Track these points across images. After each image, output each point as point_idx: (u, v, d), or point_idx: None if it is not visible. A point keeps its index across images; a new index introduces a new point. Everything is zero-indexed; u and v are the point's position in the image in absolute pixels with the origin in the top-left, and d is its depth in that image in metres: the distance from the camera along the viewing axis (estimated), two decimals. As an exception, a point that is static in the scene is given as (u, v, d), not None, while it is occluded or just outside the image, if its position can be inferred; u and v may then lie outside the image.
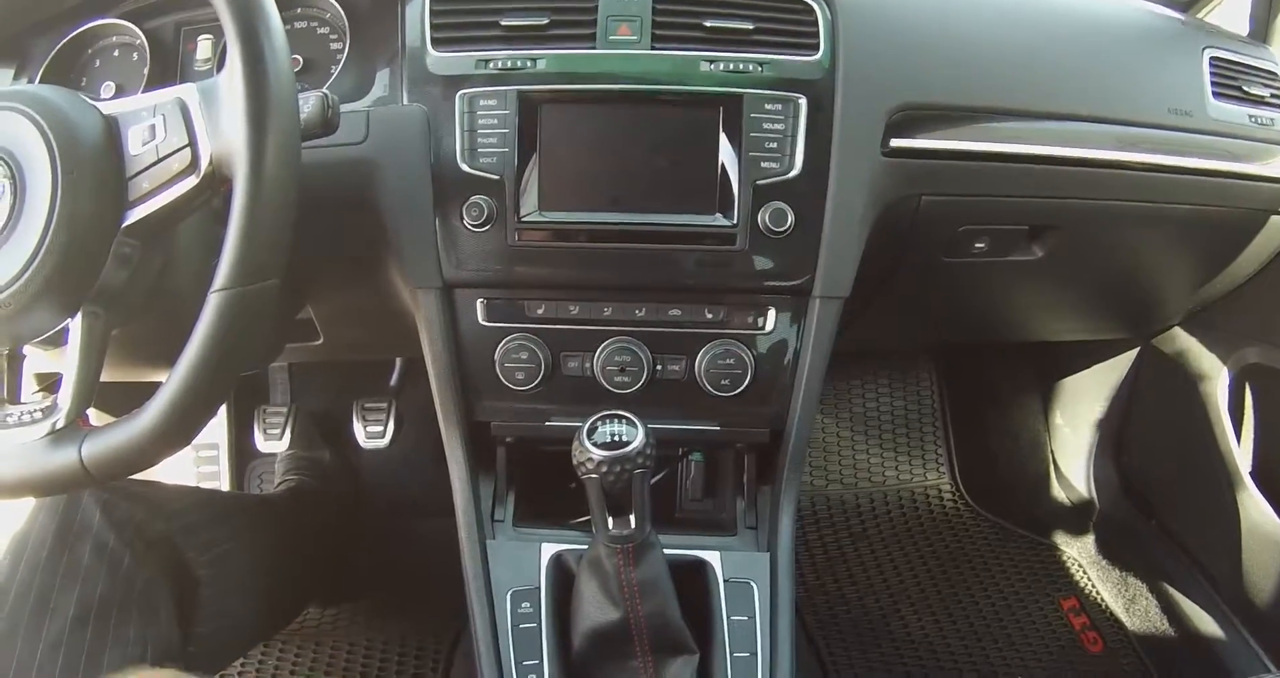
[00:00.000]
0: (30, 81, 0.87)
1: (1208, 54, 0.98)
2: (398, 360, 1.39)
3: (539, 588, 0.81)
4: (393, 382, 1.37)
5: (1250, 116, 0.98)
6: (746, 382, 0.82)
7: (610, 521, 0.71)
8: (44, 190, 0.58)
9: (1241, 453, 1.17)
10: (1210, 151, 0.95)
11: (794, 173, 0.79)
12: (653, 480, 0.72)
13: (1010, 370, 1.57)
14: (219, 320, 0.58)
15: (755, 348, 0.83)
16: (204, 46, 0.86)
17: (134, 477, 0.65)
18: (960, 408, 1.64)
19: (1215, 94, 0.97)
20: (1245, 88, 0.99)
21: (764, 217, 0.78)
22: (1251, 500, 1.14)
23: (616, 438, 0.68)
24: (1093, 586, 1.42)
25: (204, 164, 0.59)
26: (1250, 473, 1.15)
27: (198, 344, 0.58)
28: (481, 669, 0.78)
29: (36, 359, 0.70)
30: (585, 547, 0.78)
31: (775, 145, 0.78)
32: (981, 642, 1.32)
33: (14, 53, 0.88)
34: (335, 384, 1.40)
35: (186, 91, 0.60)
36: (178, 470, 1.41)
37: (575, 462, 0.68)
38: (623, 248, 0.80)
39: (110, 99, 0.77)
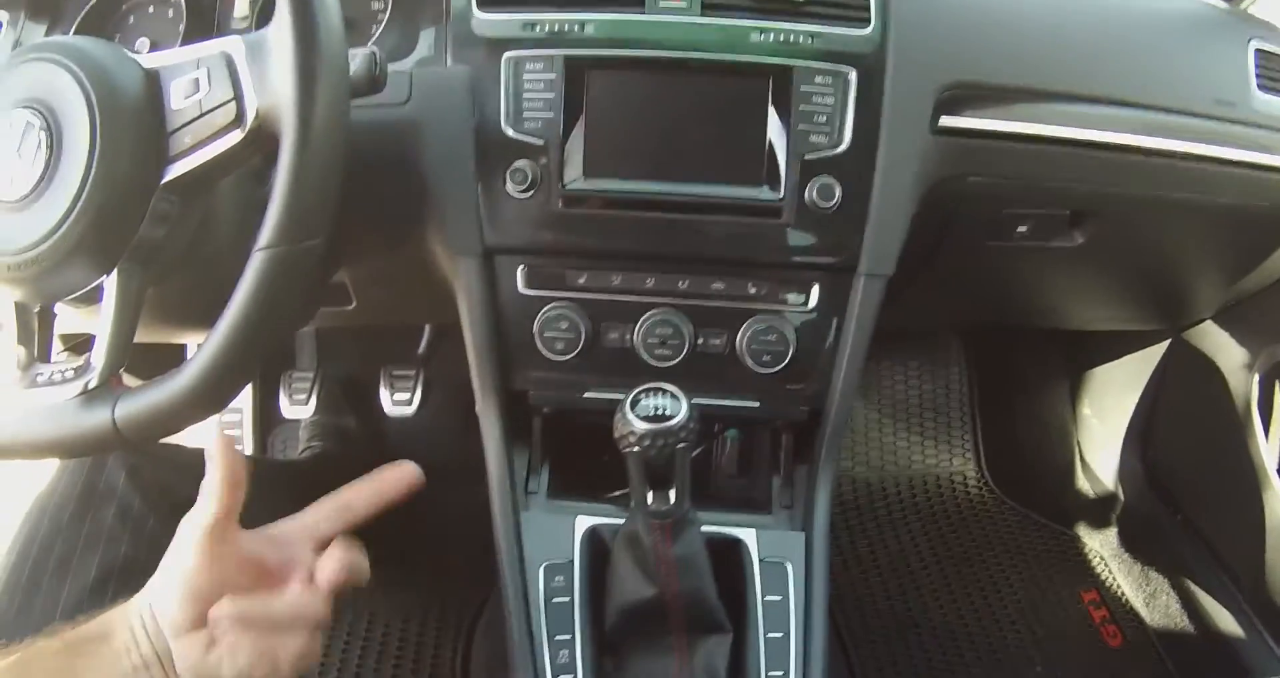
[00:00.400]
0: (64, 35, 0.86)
1: (1253, 45, 0.97)
2: (426, 327, 1.37)
3: (573, 562, 0.80)
4: (421, 348, 1.36)
5: None
6: (788, 358, 0.81)
7: (650, 495, 0.70)
8: (82, 144, 0.57)
9: (1270, 451, 1.16)
10: (1253, 144, 0.93)
11: (842, 148, 0.77)
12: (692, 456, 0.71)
13: (1039, 358, 1.56)
14: (263, 279, 0.57)
15: (798, 324, 0.81)
16: (242, 4, 0.85)
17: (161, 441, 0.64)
18: (988, 394, 1.63)
19: (1260, 86, 0.96)
20: (1290, 82, 0.98)
21: (811, 191, 0.77)
22: (1277, 500, 1.13)
23: (660, 412, 0.66)
24: (1114, 579, 1.41)
25: (250, 119, 0.58)
26: (1277, 472, 1.14)
27: (240, 303, 0.57)
28: (513, 642, 0.77)
29: (64, 319, 0.69)
30: (621, 521, 0.77)
31: (824, 119, 0.77)
32: (1002, 629, 1.32)
33: (47, 8, 0.86)
34: (362, 350, 1.39)
35: (232, 44, 0.59)
36: (201, 435, 1.40)
37: (617, 435, 0.67)
38: (667, 217, 0.78)
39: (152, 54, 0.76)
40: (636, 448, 0.66)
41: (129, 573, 0.77)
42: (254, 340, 0.58)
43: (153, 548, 0.79)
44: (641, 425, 0.65)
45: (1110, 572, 1.42)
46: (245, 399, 1.40)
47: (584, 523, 0.81)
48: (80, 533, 0.79)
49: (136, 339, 0.63)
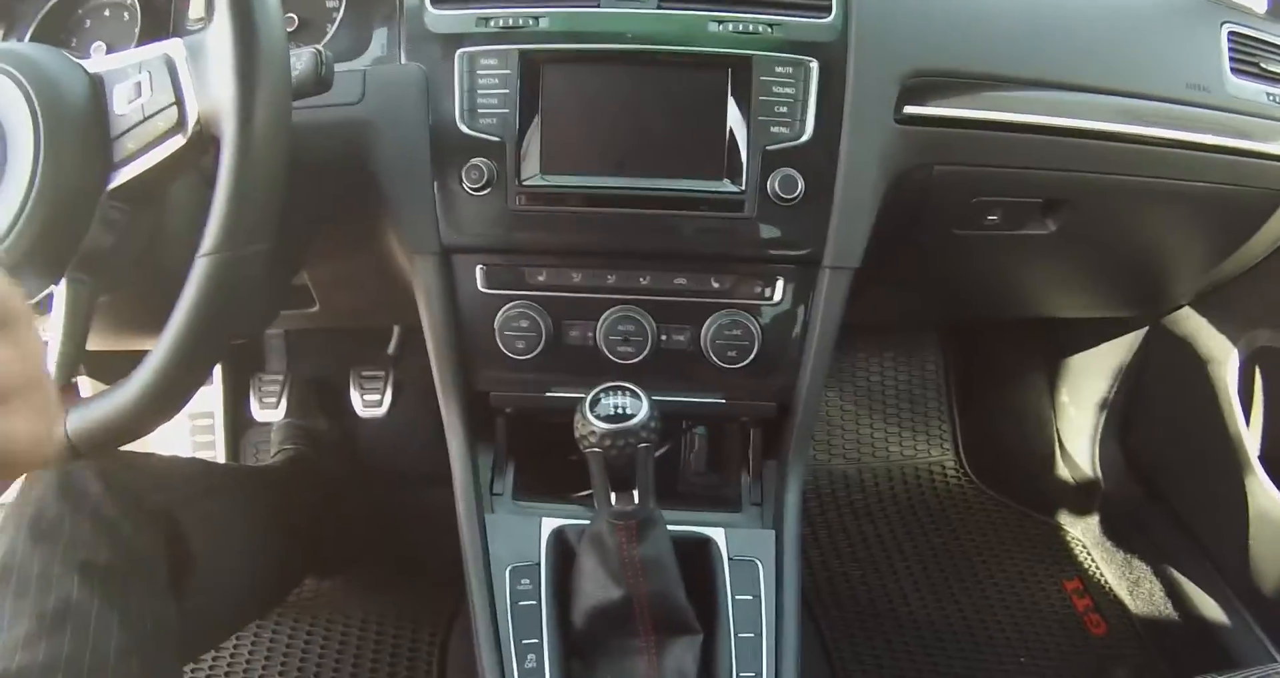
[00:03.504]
0: (18, 42, 0.85)
1: (1226, 29, 0.96)
2: (395, 328, 1.37)
3: (539, 564, 0.79)
4: (390, 350, 1.35)
5: (1268, 94, 0.96)
6: (753, 353, 0.80)
7: (613, 496, 0.69)
8: (26, 152, 0.56)
9: (1250, 436, 1.16)
10: (1227, 129, 0.93)
11: (804, 139, 0.76)
12: (656, 455, 0.71)
13: (1016, 347, 1.56)
14: (206, 286, 0.56)
15: (763, 319, 0.81)
16: (196, 4, 0.84)
17: (128, 448, 0.63)
18: (966, 384, 1.62)
19: (1233, 70, 0.95)
20: (1264, 65, 0.97)
21: (773, 183, 0.76)
22: (1259, 485, 1.13)
23: (620, 411, 0.66)
24: (1097, 567, 1.41)
25: (191, 122, 0.57)
26: (1258, 457, 1.14)
27: (184, 311, 0.56)
28: (480, 648, 0.76)
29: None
30: (587, 522, 0.76)
31: (785, 110, 0.76)
32: (984, 621, 1.32)
33: (2, 13, 0.85)
34: (332, 352, 1.38)
35: (173, 47, 0.58)
36: (173, 440, 1.40)
37: (577, 435, 0.67)
38: (627, 213, 0.77)
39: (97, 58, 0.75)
40: (597, 448, 0.65)
41: (109, 581, 0.77)
42: (202, 347, 0.57)
43: (130, 555, 0.79)
44: (601, 425, 0.65)
45: (1092, 560, 1.42)
46: (216, 403, 1.40)
47: (550, 524, 0.81)
48: (59, 542, 0.78)
49: (92, 347, 0.62)
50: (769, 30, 0.76)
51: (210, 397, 1.36)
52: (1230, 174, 0.95)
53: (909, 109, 0.80)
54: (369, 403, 1.31)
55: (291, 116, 0.59)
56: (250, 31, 0.55)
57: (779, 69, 0.76)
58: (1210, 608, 1.22)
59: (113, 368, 0.78)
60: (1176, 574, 1.29)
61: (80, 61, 0.61)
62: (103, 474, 0.81)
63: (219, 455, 1.44)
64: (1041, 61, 0.86)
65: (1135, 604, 1.33)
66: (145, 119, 0.58)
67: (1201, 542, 1.27)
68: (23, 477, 0.87)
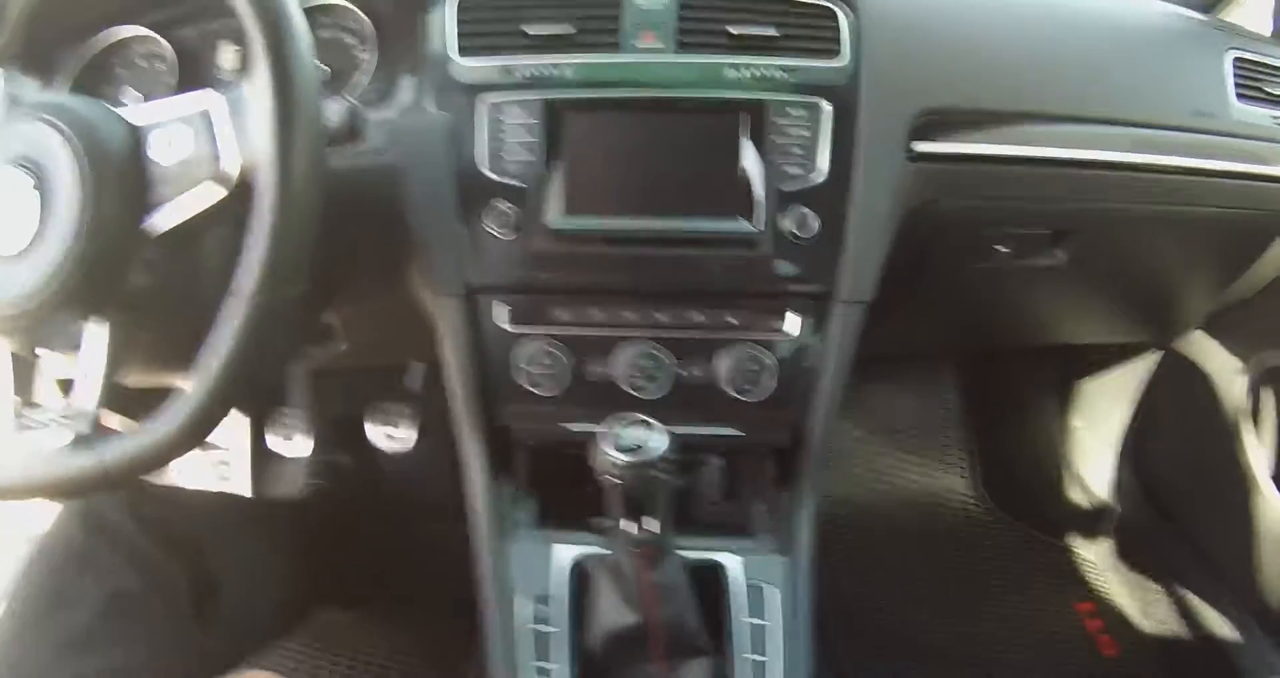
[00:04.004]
0: (56, 93, 0.87)
1: (1230, 55, 0.97)
2: (418, 363, 1.39)
3: (557, 592, 0.80)
4: (413, 385, 1.37)
5: (1274, 118, 0.97)
6: (771, 387, 0.82)
7: (631, 525, 0.71)
8: (71, 200, 0.59)
9: (1261, 457, 1.16)
10: (1233, 153, 0.94)
11: (818, 178, 0.78)
12: (676, 486, 0.72)
13: (1030, 374, 1.56)
14: (242, 327, 0.58)
15: (778, 352, 0.82)
16: (230, 56, 0.87)
17: (156, 481, 0.65)
18: (980, 411, 1.63)
19: (1239, 95, 0.96)
20: (1268, 89, 0.99)
21: (788, 222, 0.78)
22: (1271, 506, 1.13)
23: (638, 443, 0.67)
24: (1109, 589, 1.41)
25: (228, 173, 0.60)
26: (1270, 477, 1.15)
27: (220, 353, 0.59)
28: (496, 673, 0.78)
29: (53, 364, 0.71)
30: (604, 551, 0.78)
31: (800, 151, 0.78)
32: (999, 645, 1.32)
33: (43, 64, 0.88)
34: (355, 388, 1.40)
35: (212, 100, 0.61)
36: (197, 475, 1.42)
37: (596, 467, 0.68)
38: (646, 253, 0.80)
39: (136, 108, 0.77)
40: (616, 479, 0.67)
41: (130, 606, 0.79)
42: (237, 386, 0.60)
43: (152, 582, 0.81)
44: (620, 457, 0.66)
45: (1105, 582, 1.42)
46: (241, 438, 1.42)
47: (568, 553, 0.82)
48: (83, 568, 0.81)
49: (125, 382, 0.65)
50: (784, 74, 0.78)
51: (234, 431, 1.38)
52: (1237, 198, 0.97)
53: (919, 146, 0.82)
54: (393, 437, 1.32)
55: (326, 168, 0.61)
56: (288, 86, 0.57)
57: (792, 112, 0.78)
58: (1223, 629, 1.22)
59: (130, 398, 0.80)
60: (1189, 596, 1.29)
61: (120, 112, 0.63)
62: (131, 505, 0.84)
63: (242, 490, 1.45)
64: (1048, 95, 0.87)
65: (1148, 626, 1.34)
66: (184, 169, 0.60)
67: (1214, 563, 1.27)
68: (57, 508, 0.90)
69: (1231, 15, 1.19)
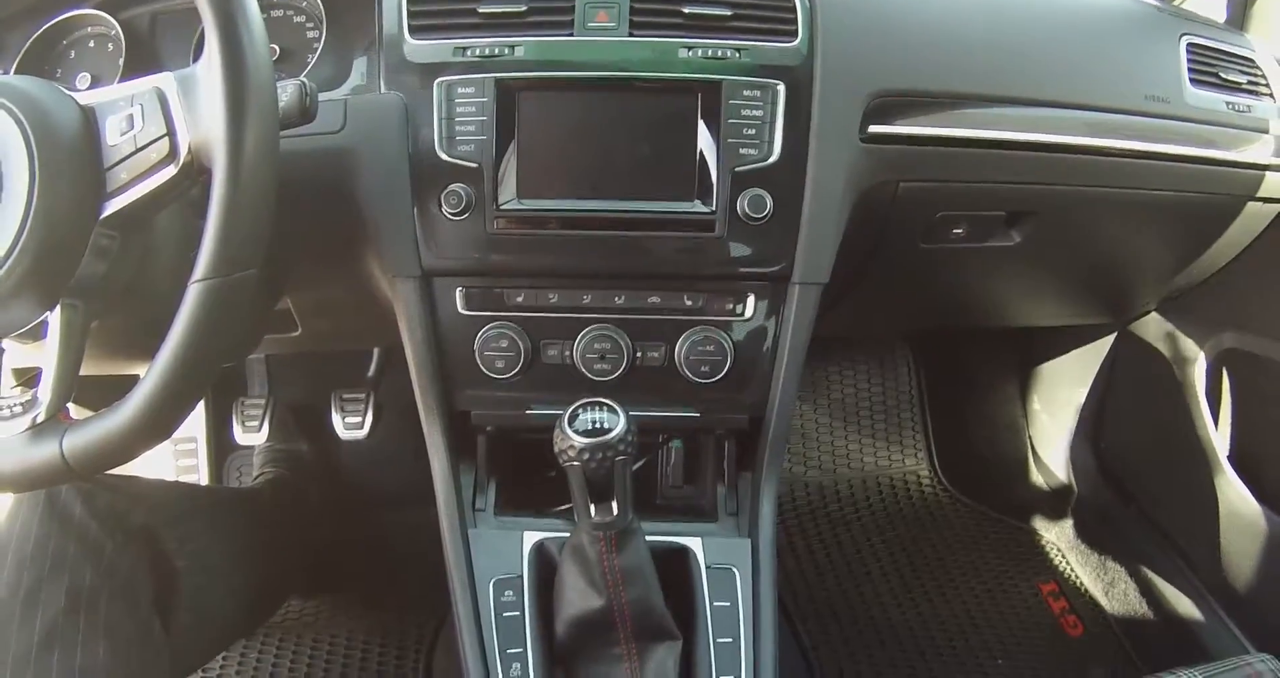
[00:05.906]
0: (4, 74, 0.86)
1: (1185, 41, 0.99)
2: (375, 350, 1.38)
3: (521, 576, 0.81)
4: (371, 372, 1.37)
5: (1227, 103, 0.99)
6: (726, 368, 0.82)
7: (592, 508, 0.71)
8: (21, 182, 0.58)
9: (1219, 437, 1.18)
10: (1187, 138, 0.95)
11: (772, 159, 0.78)
12: (634, 468, 0.73)
13: (988, 356, 1.58)
14: (198, 312, 0.58)
15: (734, 334, 0.83)
16: (180, 36, 0.86)
17: (113, 471, 0.65)
18: (938, 394, 1.65)
19: (1192, 81, 0.97)
20: (1222, 74, 1.00)
21: (742, 203, 0.78)
22: (1229, 484, 1.15)
23: (597, 425, 0.68)
24: (1072, 570, 1.43)
25: (182, 154, 0.59)
26: (1227, 457, 1.17)
27: (177, 336, 0.58)
28: (465, 658, 0.78)
29: (13, 353, 0.70)
30: (567, 535, 0.78)
31: (754, 132, 0.78)
32: (961, 626, 1.34)
33: None
34: (313, 375, 1.39)
35: (164, 81, 0.60)
36: (157, 464, 1.41)
37: (556, 450, 0.68)
38: (601, 235, 0.80)
39: (87, 90, 0.76)
40: (576, 462, 0.67)
41: (95, 601, 0.78)
42: (195, 371, 0.59)
43: (113, 575, 0.80)
44: (579, 440, 0.67)
45: (1068, 563, 1.44)
46: (199, 427, 1.41)
47: (531, 538, 0.82)
48: (44, 565, 0.79)
49: (83, 372, 0.64)
50: (737, 55, 0.78)
51: (193, 421, 1.37)
52: (1191, 182, 0.98)
53: (874, 128, 0.82)
54: (350, 425, 1.31)
55: (279, 147, 0.60)
56: (240, 66, 0.57)
57: (747, 92, 0.78)
58: (1184, 605, 1.25)
59: (96, 393, 0.79)
60: (1150, 574, 1.31)
61: (72, 94, 0.62)
62: (85, 495, 0.82)
63: (202, 479, 1.45)
64: (1003, 78, 0.88)
65: (1111, 605, 1.36)
66: (137, 150, 0.59)
67: (1174, 541, 1.29)
68: (12, 499, 0.88)
69: (1186, 2, 1.20)
